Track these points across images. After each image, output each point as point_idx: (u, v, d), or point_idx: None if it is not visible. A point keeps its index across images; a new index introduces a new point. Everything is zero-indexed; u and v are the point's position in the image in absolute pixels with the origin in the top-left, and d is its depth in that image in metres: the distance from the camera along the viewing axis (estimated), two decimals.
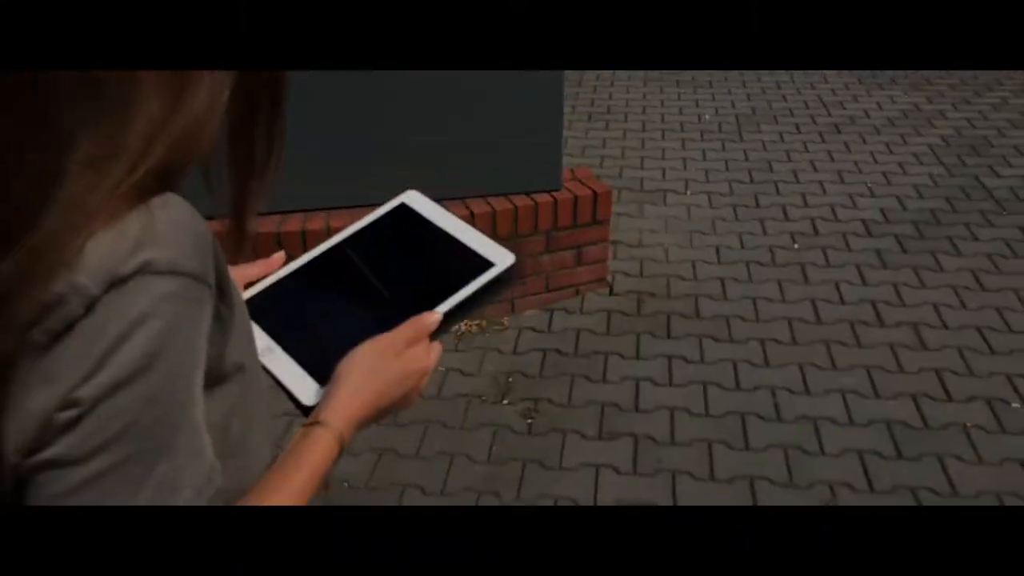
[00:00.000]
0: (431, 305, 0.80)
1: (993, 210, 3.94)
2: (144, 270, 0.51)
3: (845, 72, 5.80)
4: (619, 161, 4.55)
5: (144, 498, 0.53)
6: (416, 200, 0.91)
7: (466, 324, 3.17)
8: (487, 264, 0.83)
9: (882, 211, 3.96)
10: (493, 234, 3.05)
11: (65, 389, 0.50)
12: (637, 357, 2.99)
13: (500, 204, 3.04)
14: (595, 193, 3.17)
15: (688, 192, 4.20)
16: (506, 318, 3.22)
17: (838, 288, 3.36)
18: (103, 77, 0.50)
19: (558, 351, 3.03)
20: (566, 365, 2.96)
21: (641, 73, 5.88)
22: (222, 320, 0.60)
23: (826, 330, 3.10)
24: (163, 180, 0.53)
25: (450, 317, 0.81)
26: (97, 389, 0.50)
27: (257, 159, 0.64)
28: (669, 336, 3.10)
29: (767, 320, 3.18)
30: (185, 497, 0.56)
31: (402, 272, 0.87)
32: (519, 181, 3.07)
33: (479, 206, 3.01)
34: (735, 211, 4.00)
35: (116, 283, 0.50)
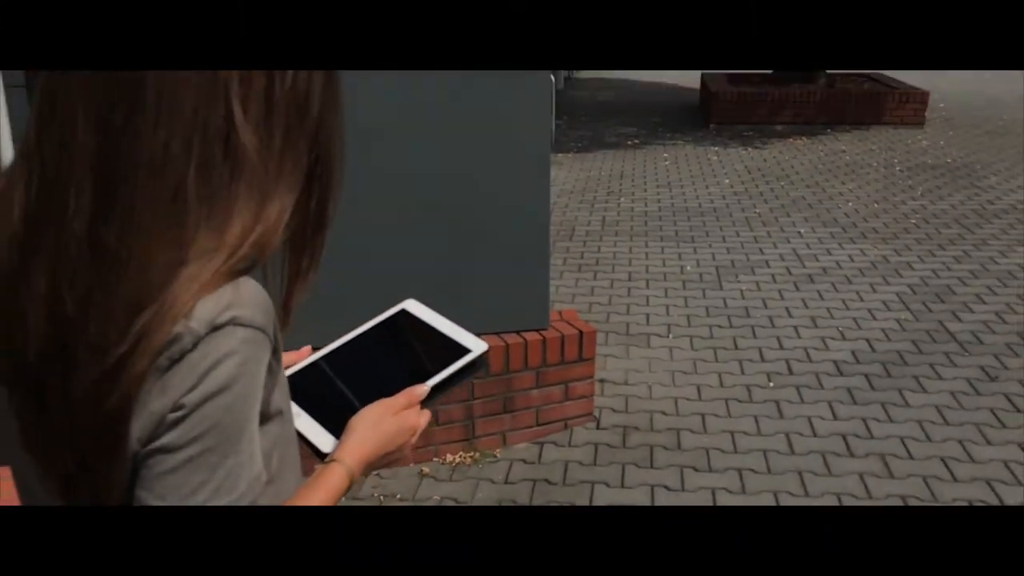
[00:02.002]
0: (422, 380, 1.05)
1: (956, 351, 4.20)
2: (233, 322, 0.76)
3: (819, 227, 6.22)
4: (607, 307, 4.86)
5: (216, 480, 0.76)
6: (413, 306, 1.18)
7: (460, 456, 3.36)
8: (465, 351, 1.08)
9: (853, 353, 4.22)
10: (486, 369, 3.30)
11: (175, 397, 0.74)
12: (622, 486, 3.17)
13: (492, 341, 3.30)
14: (581, 332, 3.44)
15: (671, 336, 4.47)
16: (498, 450, 3.42)
17: (811, 422, 3.57)
18: (217, 195, 0.77)
19: (547, 481, 3.21)
20: (554, 493, 3.13)
21: (628, 228, 6.30)
22: (272, 371, 0.85)
23: (799, 460, 3.29)
24: (245, 268, 0.79)
25: (436, 390, 1.06)
26: (196, 398, 0.74)
27: (303, 264, 0.90)
28: (652, 466, 3.29)
29: (744, 452, 3.37)
30: (240, 489, 0.78)
31: (401, 356, 1.12)
32: (510, 320, 3.35)
33: None
34: (715, 353, 4.26)
35: (214, 329, 0.75)
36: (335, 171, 0.89)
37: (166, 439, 0.75)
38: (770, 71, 11.22)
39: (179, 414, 0.74)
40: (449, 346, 1.10)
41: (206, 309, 0.75)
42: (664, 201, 7.06)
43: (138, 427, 0.74)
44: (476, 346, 1.09)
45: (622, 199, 7.15)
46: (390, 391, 1.03)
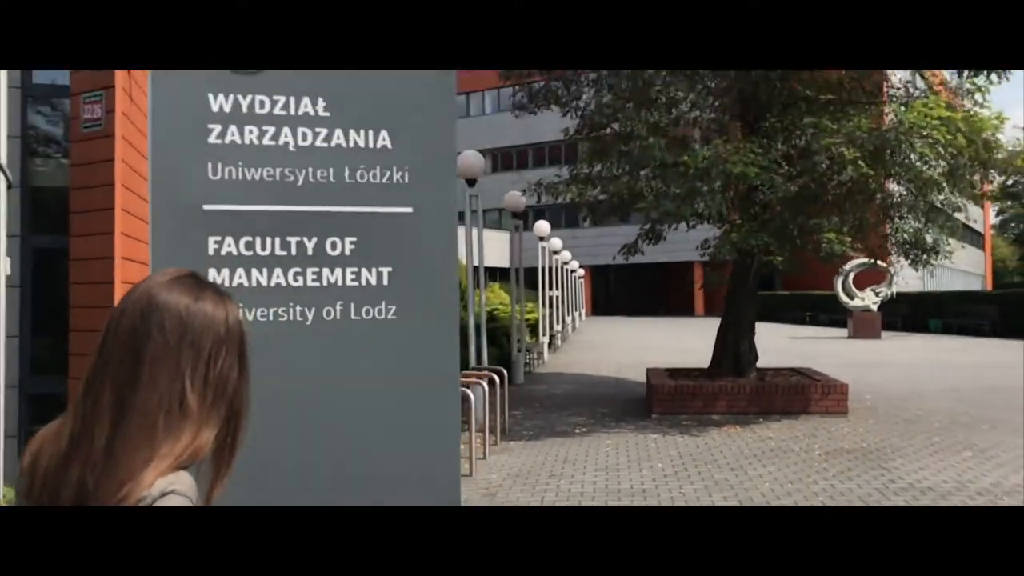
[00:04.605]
0: None
1: None
2: (174, 492, 1.42)
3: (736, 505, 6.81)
4: None
5: None
6: None
7: None
8: None
9: None
10: None
11: None
12: None
13: None
14: None
15: None
16: None
17: None
18: (174, 428, 1.48)
19: None
20: None
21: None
22: None
23: None
24: (184, 465, 1.48)
25: None
26: None
27: (221, 471, 1.58)
28: None
29: None
30: None
31: None
32: None
33: None
34: None
35: (163, 495, 1.42)
36: (242, 419, 1.62)
37: None
38: (706, 367, 12.32)
39: None
40: None
41: (160, 485, 1.43)
42: (599, 484, 7.67)
43: None
44: None
45: (562, 482, 7.76)
46: None
